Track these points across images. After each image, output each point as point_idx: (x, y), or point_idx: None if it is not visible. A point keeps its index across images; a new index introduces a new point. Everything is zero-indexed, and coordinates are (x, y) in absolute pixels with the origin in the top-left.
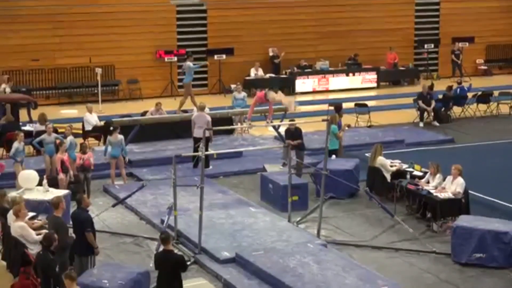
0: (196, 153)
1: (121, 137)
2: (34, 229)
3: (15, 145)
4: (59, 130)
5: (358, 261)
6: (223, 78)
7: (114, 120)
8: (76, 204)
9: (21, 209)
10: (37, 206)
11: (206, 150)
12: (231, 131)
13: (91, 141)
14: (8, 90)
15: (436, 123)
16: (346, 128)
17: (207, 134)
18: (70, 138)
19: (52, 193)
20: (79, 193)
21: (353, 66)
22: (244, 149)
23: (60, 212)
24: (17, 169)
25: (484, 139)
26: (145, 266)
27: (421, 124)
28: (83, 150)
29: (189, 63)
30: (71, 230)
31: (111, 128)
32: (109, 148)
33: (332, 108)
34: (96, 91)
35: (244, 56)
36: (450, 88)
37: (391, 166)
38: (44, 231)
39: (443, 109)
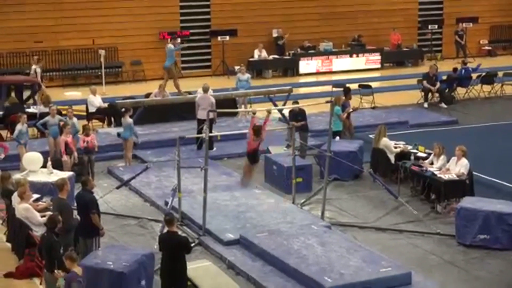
0: (199, 135)
1: (130, 120)
2: (39, 211)
3: (18, 127)
4: (63, 112)
5: (362, 243)
6: (226, 60)
7: (118, 102)
8: (81, 186)
9: (25, 191)
10: (41, 188)
11: (210, 131)
12: (235, 113)
13: (95, 123)
14: (38, 70)
15: (444, 105)
16: (351, 110)
17: (211, 115)
18: (74, 120)
19: (56, 175)
20: (83, 175)
21: (356, 47)
22: (248, 131)
23: (65, 194)
24: (21, 151)
25: (488, 120)
26: (149, 248)
27: (426, 105)
28: (86, 132)
29: (170, 45)
30: (75, 212)
31: (123, 109)
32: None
33: (336, 89)
34: (99, 73)
35: (248, 37)
36: (455, 70)
37: (395, 148)
38: (49, 213)
39: (447, 90)
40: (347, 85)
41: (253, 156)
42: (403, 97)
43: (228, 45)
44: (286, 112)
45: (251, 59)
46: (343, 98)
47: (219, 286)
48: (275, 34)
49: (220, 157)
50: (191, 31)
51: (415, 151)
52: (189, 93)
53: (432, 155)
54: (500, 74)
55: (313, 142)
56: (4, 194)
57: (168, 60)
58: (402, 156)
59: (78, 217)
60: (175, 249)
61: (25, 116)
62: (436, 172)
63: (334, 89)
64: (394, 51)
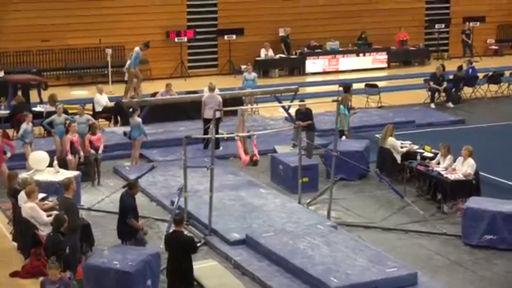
0: (206, 136)
1: (139, 119)
2: (45, 210)
3: (23, 126)
4: (70, 111)
5: (368, 243)
6: (233, 59)
7: (124, 101)
8: (126, 188)
9: (34, 190)
10: (47, 187)
11: (216, 131)
12: None
13: (101, 122)
14: None
15: (451, 105)
16: (356, 113)
17: (218, 115)
18: (87, 117)
19: (63, 174)
20: (90, 174)
21: (363, 47)
22: (255, 133)
23: (71, 193)
24: (26, 150)
25: (495, 119)
26: (155, 248)
27: (432, 106)
28: (93, 131)
29: (137, 48)
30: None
31: (131, 110)
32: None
33: (342, 89)
34: (106, 72)
35: (255, 36)
36: (460, 68)
37: (402, 147)
38: (55, 212)
39: (453, 89)
40: (351, 84)
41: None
42: (410, 97)
43: (235, 44)
44: (292, 111)
45: (257, 58)
46: (350, 97)
47: (225, 286)
48: (281, 33)
49: (227, 157)
50: (198, 30)
51: (421, 150)
52: (132, 97)
53: (438, 155)
54: (507, 73)
55: (319, 141)
56: (11, 193)
57: (133, 61)
58: (409, 156)
59: (84, 217)
60: (181, 249)
61: (30, 115)
62: (442, 172)
63: (341, 88)
64: (401, 50)
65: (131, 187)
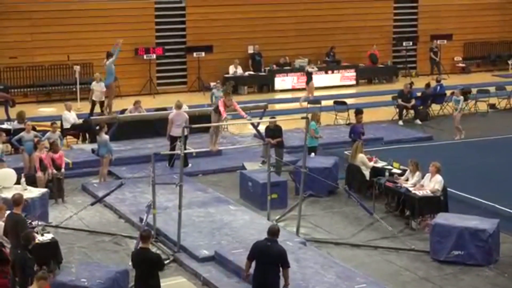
0: (175, 152)
1: (106, 137)
2: None
3: None
4: (38, 128)
5: (337, 259)
6: (202, 76)
7: (93, 118)
8: (267, 235)
9: (2, 208)
10: None
11: (185, 148)
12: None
13: (69, 139)
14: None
15: (419, 122)
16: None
17: (185, 132)
18: (58, 133)
19: (30, 192)
20: (58, 191)
21: (332, 64)
22: (223, 148)
23: (19, 209)
24: (2, 167)
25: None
26: (123, 265)
27: (400, 122)
28: (54, 149)
29: (107, 62)
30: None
31: (97, 127)
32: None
33: (311, 106)
34: (74, 89)
35: (223, 53)
36: (428, 85)
37: (370, 162)
38: None
39: (421, 107)
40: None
41: None
42: (378, 114)
43: (204, 61)
44: (262, 128)
45: (226, 75)
46: (319, 114)
47: None
48: (250, 51)
49: (195, 174)
50: (167, 47)
51: (390, 167)
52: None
53: (407, 172)
54: (474, 91)
55: (288, 158)
56: None
57: (108, 77)
58: (377, 172)
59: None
60: (147, 266)
61: (4, 133)
62: (410, 188)
63: (309, 105)
64: (369, 68)
65: (274, 233)
